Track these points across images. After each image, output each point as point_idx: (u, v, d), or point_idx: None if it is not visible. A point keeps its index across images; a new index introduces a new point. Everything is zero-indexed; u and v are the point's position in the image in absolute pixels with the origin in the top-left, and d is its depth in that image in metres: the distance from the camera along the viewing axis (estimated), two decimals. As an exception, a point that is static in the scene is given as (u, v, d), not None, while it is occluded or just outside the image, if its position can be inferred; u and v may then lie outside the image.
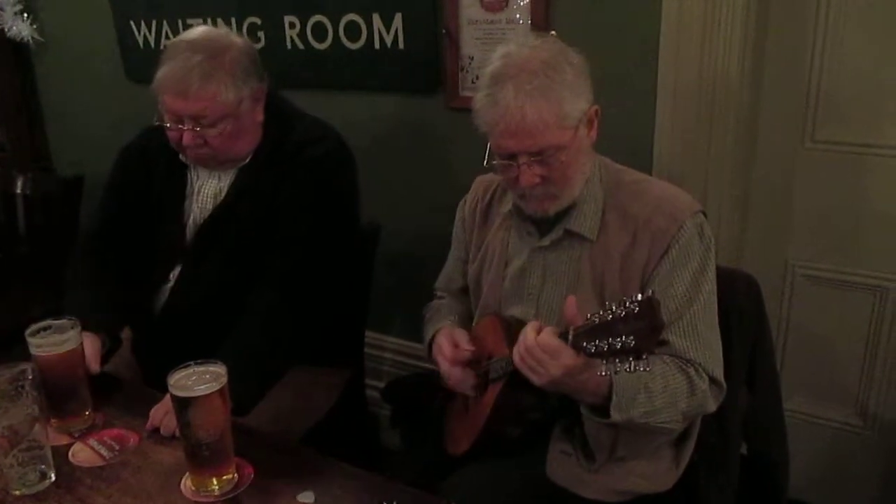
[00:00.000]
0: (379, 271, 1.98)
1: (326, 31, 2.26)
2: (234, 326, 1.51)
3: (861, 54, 1.74)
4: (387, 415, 2.06)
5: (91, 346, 1.46)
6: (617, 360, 1.05)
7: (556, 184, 1.30)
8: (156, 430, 1.35)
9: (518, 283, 1.44)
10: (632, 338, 1.02)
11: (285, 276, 1.56)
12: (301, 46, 2.33)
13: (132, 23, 2.69)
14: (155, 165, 1.71)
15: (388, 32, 2.16)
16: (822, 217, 1.89)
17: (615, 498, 1.36)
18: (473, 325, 1.54)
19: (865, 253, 1.87)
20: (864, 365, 1.95)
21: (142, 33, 2.68)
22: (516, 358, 1.19)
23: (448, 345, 1.45)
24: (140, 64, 2.71)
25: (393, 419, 1.92)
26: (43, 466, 1.23)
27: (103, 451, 1.31)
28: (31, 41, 2.98)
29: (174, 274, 1.69)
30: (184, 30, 2.10)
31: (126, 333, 1.75)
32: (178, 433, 1.25)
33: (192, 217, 1.68)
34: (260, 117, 1.63)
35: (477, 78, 2.04)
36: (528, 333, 1.17)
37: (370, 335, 2.20)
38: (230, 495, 1.18)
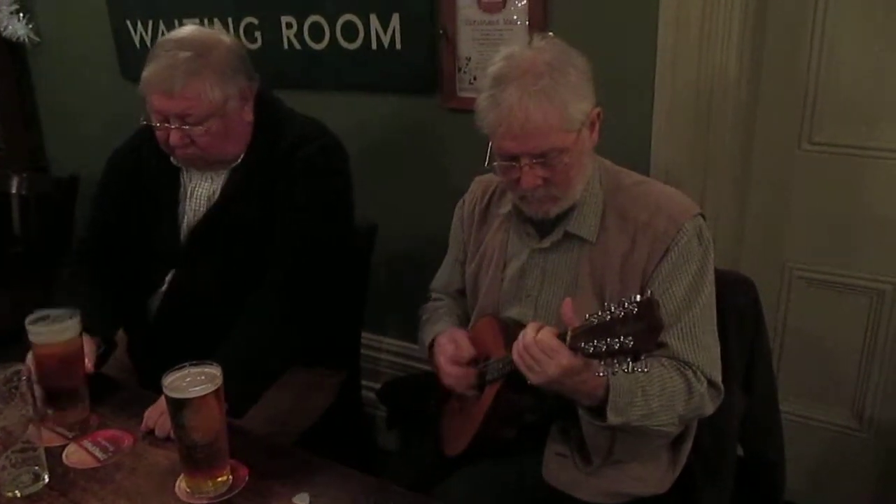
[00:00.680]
0: (375, 272, 1.97)
1: (323, 31, 2.25)
2: (230, 328, 1.50)
3: (858, 57, 1.74)
4: (383, 416, 2.06)
5: (86, 346, 1.44)
6: (615, 361, 1.05)
7: (557, 186, 1.29)
8: (151, 432, 1.34)
9: (517, 285, 1.43)
10: (630, 339, 1.02)
11: (281, 277, 1.55)
12: (298, 47, 2.32)
13: (129, 22, 2.69)
14: (147, 168, 1.70)
15: (385, 33, 2.15)
16: (819, 219, 1.89)
17: (611, 500, 1.36)
18: (470, 326, 1.54)
19: (863, 255, 1.87)
20: (860, 367, 1.95)
21: (138, 33, 2.68)
22: (515, 355, 1.19)
23: (449, 344, 1.45)
24: (136, 64, 2.63)
25: (389, 420, 1.91)
26: (36, 468, 1.22)
27: (97, 453, 1.30)
28: (27, 41, 2.97)
29: (169, 277, 1.68)
30: (181, 30, 2.10)
31: (120, 336, 1.74)
32: (172, 435, 1.24)
33: (185, 219, 1.67)
34: (249, 117, 1.61)
35: (475, 79, 2.04)
36: (528, 332, 1.17)
37: (366, 336, 2.19)
38: (225, 497, 1.18)
